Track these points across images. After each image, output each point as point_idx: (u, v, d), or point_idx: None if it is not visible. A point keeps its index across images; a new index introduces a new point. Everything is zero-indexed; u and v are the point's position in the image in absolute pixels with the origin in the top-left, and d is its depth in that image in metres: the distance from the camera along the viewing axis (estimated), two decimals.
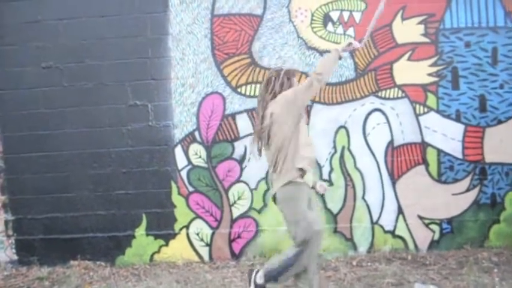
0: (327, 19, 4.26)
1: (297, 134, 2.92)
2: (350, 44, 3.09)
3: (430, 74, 4.26)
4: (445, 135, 4.27)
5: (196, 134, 4.32)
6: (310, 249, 2.96)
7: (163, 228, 4.35)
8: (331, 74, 3.06)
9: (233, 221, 4.33)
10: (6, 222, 4.42)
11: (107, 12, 4.29)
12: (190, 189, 4.33)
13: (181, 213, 4.34)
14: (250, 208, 4.31)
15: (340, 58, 3.02)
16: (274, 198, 3.05)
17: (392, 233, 4.31)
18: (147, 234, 4.36)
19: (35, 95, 4.35)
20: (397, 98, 4.27)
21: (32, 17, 4.32)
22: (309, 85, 2.91)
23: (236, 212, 4.32)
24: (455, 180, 4.29)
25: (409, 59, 4.25)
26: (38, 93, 4.35)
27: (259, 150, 3.07)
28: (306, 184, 2.95)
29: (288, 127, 2.90)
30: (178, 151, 4.33)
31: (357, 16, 4.25)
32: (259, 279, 3.04)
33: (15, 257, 4.44)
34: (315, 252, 3.03)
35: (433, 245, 4.30)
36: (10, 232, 4.43)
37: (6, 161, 4.40)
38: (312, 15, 4.26)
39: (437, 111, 4.27)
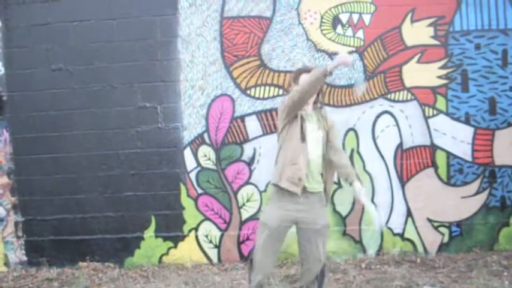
0: (336, 21, 4.26)
1: (285, 145, 2.76)
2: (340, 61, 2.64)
3: (439, 77, 4.25)
4: (455, 137, 4.27)
5: (206, 136, 4.33)
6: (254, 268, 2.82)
7: (172, 230, 4.36)
8: (309, 89, 2.61)
9: (242, 223, 4.33)
10: (16, 224, 4.44)
11: (117, 15, 4.31)
12: (199, 191, 4.34)
13: (190, 215, 4.35)
14: (259, 210, 4.30)
15: (329, 74, 2.59)
16: None
17: (401, 235, 4.31)
18: (156, 236, 4.37)
19: (45, 97, 4.36)
20: (407, 100, 4.27)
21: (41, 20, 4.33)
22: (289, 97, 2.74)
23: (245, 214, 4.32)
24: (465, 183, 4.28)
25: (418, 62, 4.24)
26: (48, 95, 4.36)
27: None
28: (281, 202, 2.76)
29: (278, 133, 2.85)
30: (188, 153, 4.33)
31: (366, 18, 4.24)
32: None
33: (25, 258, 4.46)
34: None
35: (442, 248, 4.29)
36: (20, 233, 4.45)
37: (16, 162, 4.41)
38: (322, 17, 4.26)
39: (447, 114, 4.26)
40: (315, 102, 2.88)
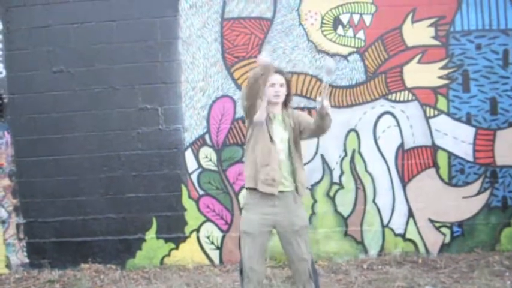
0: (337, 22, 4.26)
1: (253, 147, 2.73)
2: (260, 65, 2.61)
3: (440, 77, 4.25)
4: (456, 138, 4.26)
5: (207, 137, 4.33)
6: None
7: (174, 231, 4.36)
8: (248, 91, 2.63)
9: None
10: (17, 226, 4.44)
11: (117, 17, 4.31)
12: (201, 192, 4.34)
13: (192, 216, 4.35)
14: None
15: (260, 78, 2.55)
16: None
17: (403, 236, 4.31)
18: (158, 238, 4.37)
19: (46, 99, 4.37)
20: (408, 100, 4.27)
21: (42, 22, 4.34)
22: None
23: None
24: (466, 183, 4.28)
25: (419, 62, 4.24)
26: (49, 97, 4.37)
27: None
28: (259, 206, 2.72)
29: (246, 136, 2.85)
30: (189, 154, 4.34)
31: (367, 19, 4.25)
32: None
33: (27, 260, 4.46)
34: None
35: (443, 248, 4.29)
36: (21, 235, 4.45)
37: (17, 164, 4.42)
38: (322, 18, 4.26)
39: (448, 114, 4.26)
40: (285, 104, 2.84)
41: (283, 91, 2.77)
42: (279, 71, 2.82)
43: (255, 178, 2.71)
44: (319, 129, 2.71)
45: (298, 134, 2.80)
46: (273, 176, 2.65)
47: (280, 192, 2.70)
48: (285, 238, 2.76)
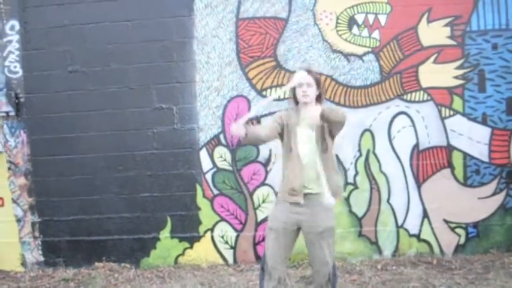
0: (352, 22, 4.25)
1: (282, 156, 2.83)
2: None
3: (456, 77, 4.23)
4: (471, 138, 4.24)
5: (221, 137, 4.34)
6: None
7: (188, 230, 4.37)
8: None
9: (258, 224, 4.34)
10: (33, 224, 4.48)
11: (132, 17, 4.33)
12: (215, 192, 4.35)
13: (206, 216, 4.36)
14: None
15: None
16: None
17: (417, 236, 4.29)
18: (172, 237, 4.39)
19: (61, 99, 4.40)
20: (423, 101, 4.25)
21: (58, 22, 4.37)
22: None
23: (261, 215, 4.32)
24: (482, 184, 4.26)
25: (434, 62, 4.22)
26: (64, 97, 4.40)
27: None
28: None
29: None
30: (203, 154, 4.35)
31: (382, 19, 4.23)
32: None
33: (42, 258, 4.50)
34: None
35: (458, 249, 4.27)
36: (37, 234, 4.49)
37: (33, 163, 4.45)
38: (337, 18, 4.25)
39: (464, 114, 4.24)
40: (318, 99, 2.82)
41: (311, 91, 2.74)
42: (307, 70, 2.78)
43: (281, 186, 2.80)
44: (335, 122, 2.67)
45: (327, 132, 2.74)
46: (292, 185, 2.70)
47: (306, 194, 2.71)
48: (308, 239, 2.76)
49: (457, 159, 4.25)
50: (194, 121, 4.34)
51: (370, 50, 4.25)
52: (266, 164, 4.31)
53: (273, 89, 4.29)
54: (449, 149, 4.25)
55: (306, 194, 2.71)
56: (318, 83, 2.77)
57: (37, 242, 4.50)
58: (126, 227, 4.41)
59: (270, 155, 4.30)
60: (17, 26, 4.40)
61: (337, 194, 2.78)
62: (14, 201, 4.48)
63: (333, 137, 2.78)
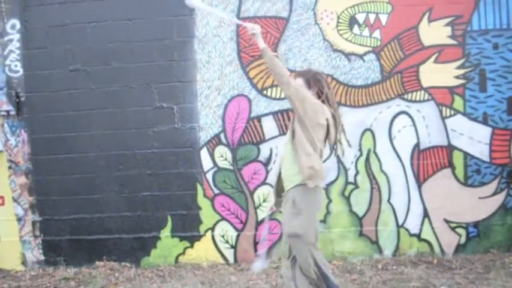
0: (352, 21, 4.25)
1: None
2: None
3: (457, 77, 4.23)
4: (472, 138, 4.24)
5: (222, 136, 4.34)
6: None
7: (189, 230, 4.38)
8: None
9: (258, 223, 4.34)
10: (33, 223, 4.48)
11: (134, 16, 4.33)
12: (216, 191, 4.35)
13: (207, 215, 4.36)
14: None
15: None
16: None
17: (418, 236, 4.29)
18: (172, 236, 4.39)
19: (63, 98, 4.40)
20: (424, 100, 4.25)
21: (59, 21, 4.37)
22: None
23: (261, 215, 4.32)
24: (482, 184, 4.26)
25: (435, 61, 4.23)
26: (66, 96, 4.40)
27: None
28: None
29: None
30: (204, 153, 4.35)
31: (383, 18, 4.23)
32: None
33: (42, 257, 4.50)
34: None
35: (459, 249, 4.27)
36: (37, 233, 4.49)
37: (33, 162, 4.45)
38: (338, 17, 4.26)
39: (464, 114, 4.24)
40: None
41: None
42: (300, 73, 2.94)
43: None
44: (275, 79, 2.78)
45: (299, 118, 2.75)
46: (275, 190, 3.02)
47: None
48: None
49: (458, 159, 4.25)
50: (195, 120, 4.34)
51: (371, 49, 4.25)
52: (267, 163, 4.31)
53: (273, 89, 4.30)
54: (450, 148, 4.25)
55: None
56: (308, 82, 2.84)
57: (37, 241, 4.50)
58: (126, 226, 4.41)
59: (270, 155, 4.30)
60: (18, 25, 4.41)
61: (289, 185, 2.85)
62: (15, 200, 4.48)
63: (301, 120, 2.76)
